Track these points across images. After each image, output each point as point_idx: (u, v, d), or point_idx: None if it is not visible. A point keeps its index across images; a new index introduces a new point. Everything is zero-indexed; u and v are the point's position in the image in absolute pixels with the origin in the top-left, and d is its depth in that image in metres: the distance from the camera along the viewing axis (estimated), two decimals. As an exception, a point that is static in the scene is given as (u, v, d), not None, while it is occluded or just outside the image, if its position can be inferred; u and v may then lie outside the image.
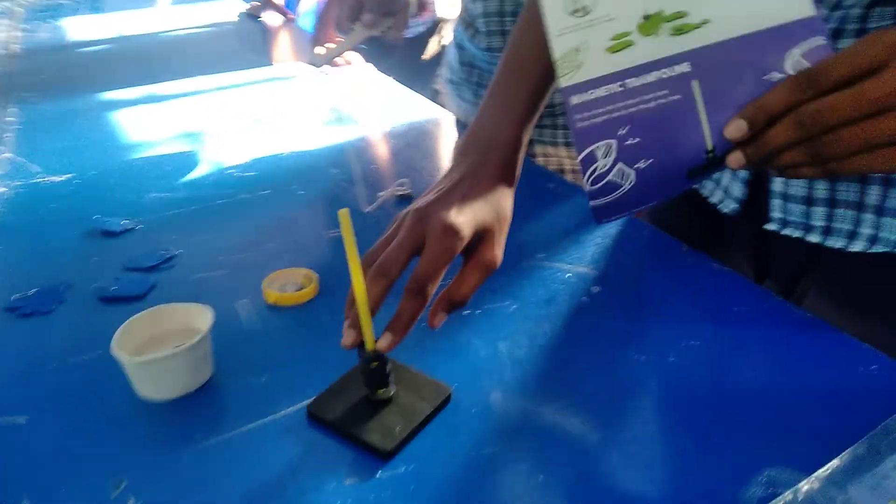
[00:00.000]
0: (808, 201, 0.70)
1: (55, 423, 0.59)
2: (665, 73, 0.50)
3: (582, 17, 0.53)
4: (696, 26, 0.50)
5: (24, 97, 1.40)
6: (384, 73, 1.47)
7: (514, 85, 0.69)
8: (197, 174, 1.04)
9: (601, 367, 0.63)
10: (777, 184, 0.72)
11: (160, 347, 0.63)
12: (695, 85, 0.49)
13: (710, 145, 0.50)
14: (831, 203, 0.69)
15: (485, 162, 0.65)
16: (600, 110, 0.51)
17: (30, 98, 1.40)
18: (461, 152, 0.68)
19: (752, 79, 0.48)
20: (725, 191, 0.79)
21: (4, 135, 1.21)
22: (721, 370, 0.61)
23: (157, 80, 1.48)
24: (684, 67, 0.49)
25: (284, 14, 1.97)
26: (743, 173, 0.75)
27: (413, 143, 1.13)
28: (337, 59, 1.50)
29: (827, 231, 0.70)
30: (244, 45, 1.74)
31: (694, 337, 0.65)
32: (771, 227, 0.74)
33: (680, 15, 0.50)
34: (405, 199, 0.94)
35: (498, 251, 0.61)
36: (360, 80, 1.45)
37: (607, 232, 0.84)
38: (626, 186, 0.52)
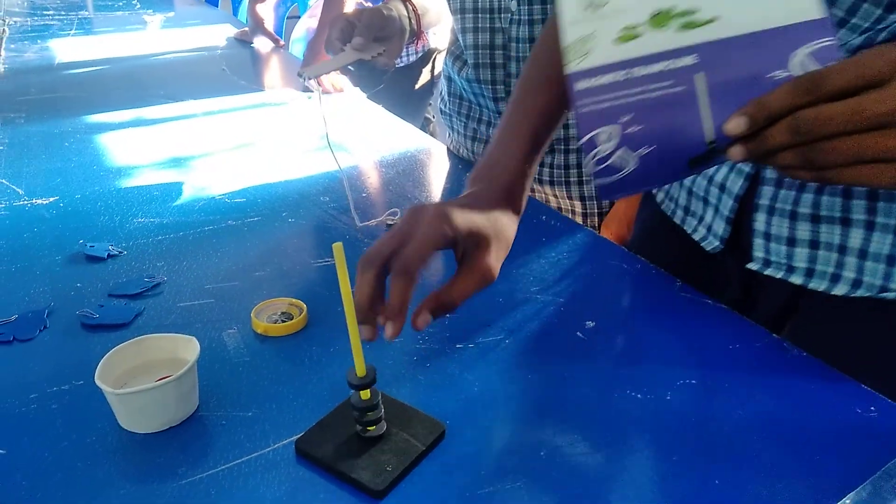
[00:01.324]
0: (791, 242, 0.70)
1: (34, 456, 0.57)
2: (670, 64, 0.50)
3: (594, 11, 0.53)
4: (705, 23, 0.50)
5: (9, 118, 1.39)
6: (374, 100, 1.47)
7: (519, 121, 0.71)
8: (184, 200, 1.03)
9: (597, 404, 0.61)
10: (759, 223, 0.71)
11: (145, 378, 0.61)
12: (699, 78, 0.50)
13: (711, 137, 0.50)
14: (813, 245, 0.69)
15: (490, 187, 0.66)
16: (604, 97, 0.51)
17: (15, 119, 1.38)
18: (470, 182, 0.69)
19: (757, 75, 0.49)
20: (708, 228, 0.78)
21: (-12, 156, 1.19)
22: (718, 410, 0.60)
23: (145, 104, 1.47)
24: (690, 60, 0.50)
25: (275, 40, 1.96)
26: (726, 210, 0.75)
27: (404, 172, 1.13)
28: (327, 86, 1.50)
29: (809, 273, 0.70)
30: (234, 70, 1.73)
31: (690, 375, 0.64)
32: (754, 266, 0.73)
33: (689, 12, 0.51)
34: (396, 229, 0.93)
35: (494, 262, 0.60)
36: (351, 109, 1.45)
37: (600, 266, 0.84)
38: (629, 169, 0.52)
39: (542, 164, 1.13)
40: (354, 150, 1.23)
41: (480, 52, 1.07)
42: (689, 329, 0.72)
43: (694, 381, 0.64)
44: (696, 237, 0.80)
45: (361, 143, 1.26)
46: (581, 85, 0.52)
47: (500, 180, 0.67)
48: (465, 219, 0.60)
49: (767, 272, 0.72)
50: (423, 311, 0.57)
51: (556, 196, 1.15)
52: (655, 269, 0.83)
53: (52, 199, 1.02)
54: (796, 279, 0.71)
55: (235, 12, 2.72)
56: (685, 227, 0.82)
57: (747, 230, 0.74)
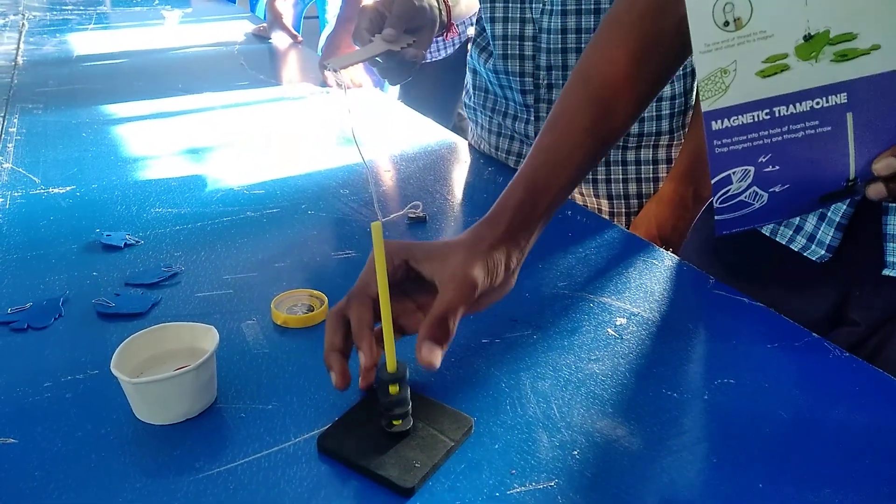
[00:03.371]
0: None
1: (47, 446, 0.55)
2: (819, 102, 0.46)
3: (733, 32, 0.47)
4: (864, 52, 0.45)
5: (27, 108, 1.38)
6: (404, 95, 1.45)
7: (526, 160, 0.67)
8: (202, 190, 1.01)
9: (631, 403, 0.59)
10: (892, 227, 0.68)
11: (162, 368, 0.59)
12: (849, 116, 0.46)
13: (852, 174, 0.48)
14: None
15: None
16: (742, 137, 0.47)
17: (32, 109, 1.37)
18: None
19: None
20: (810, 238, 0.74)
21: (6, 145, 1.18)
22: (759, 411, 0.58)
23: (162, 96, 1.46)
24: (841, 98, 0.46)
25: (293, 36, 1.95)
26: (837, 217, 0.71)
27: (425, 167, 1.10)
28: (347, 82, 1.48)
29: None
30: (252, 65, 1.72)
31: (728, 374, 0.62)
32: (891, 272, 0.69)
33: (848, 37, 0.45)
34: (418, 222, 0.91)
35: (467, 269, 0.57)
36: (370, 104, 1.43)
37: (630, 262, 0.81)
38: (756, 205, 0.50)
39: None
40: (374, 144, 1.21)
41: (509, 42, 1.05)
42: (724, 327, 0.69)
43: (732, 381, 0.61)
44: (795, 247, 0.75)
45: (381, 138, 1.24)
46: (716, 125, 0.47)
47: (486, 215, 0.64)
48: (414, 243, 0.59)
49: None
50: (422, 342, 0.54)
51: (581, 194, 1.12)
52: (687, 266, 0.80)
53: (68, 189, 1.00)
54: None
55: (253, 8, 2.72)
56: (777, 239, 0.77)
57: (867, 236, 0.70)
